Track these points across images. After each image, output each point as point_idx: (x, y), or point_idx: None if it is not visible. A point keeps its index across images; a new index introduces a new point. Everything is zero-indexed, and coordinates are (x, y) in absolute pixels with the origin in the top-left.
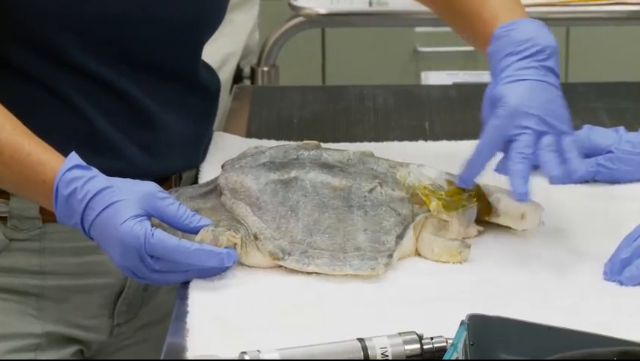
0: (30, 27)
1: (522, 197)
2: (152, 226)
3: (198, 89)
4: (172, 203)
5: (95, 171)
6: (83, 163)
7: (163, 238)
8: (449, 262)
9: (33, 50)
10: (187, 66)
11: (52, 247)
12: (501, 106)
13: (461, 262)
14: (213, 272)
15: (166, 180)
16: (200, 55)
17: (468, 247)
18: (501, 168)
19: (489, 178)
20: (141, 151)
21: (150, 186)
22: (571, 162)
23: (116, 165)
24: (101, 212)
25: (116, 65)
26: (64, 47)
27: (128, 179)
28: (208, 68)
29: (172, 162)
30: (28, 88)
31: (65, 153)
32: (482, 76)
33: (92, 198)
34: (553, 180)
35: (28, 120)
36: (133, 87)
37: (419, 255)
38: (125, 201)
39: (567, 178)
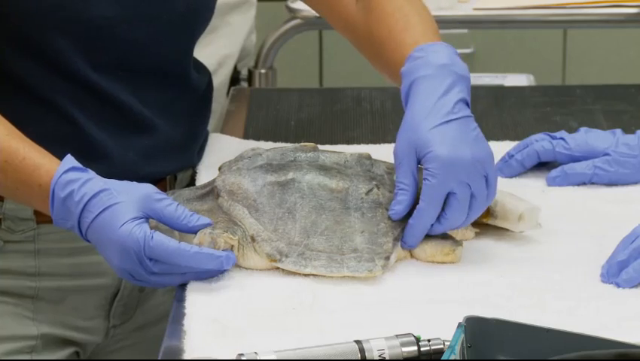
0: (24, 32)
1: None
2: (150, 228)
3: (190, 90)
4: (169, 204)
5: (91, 173)
6: (80, 165)
7: (163, 240)
8: (443, 262)
9: (27, 56)
10: (179, 66)
11: (47, 248)
12: (432, 160)
13: (454, 262)
14: (210, 274)
15: (160, 181)
16: (192, 53)
17: (461, 244)
18: (499, 170)
19: None
20: (133, 155)
21: (147, 188)
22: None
23: (109, 170)
24: (98, 215)
25: (109, 69)
26: (58, 52)
27: (124, 181)
28: (199, 67)
29: (166, 164)
30: (20, 95)
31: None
32: (479, 78)
33: (89, 200)
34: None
35: (19, 127)
36: (126, 92)
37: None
38: (123, 204)
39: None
